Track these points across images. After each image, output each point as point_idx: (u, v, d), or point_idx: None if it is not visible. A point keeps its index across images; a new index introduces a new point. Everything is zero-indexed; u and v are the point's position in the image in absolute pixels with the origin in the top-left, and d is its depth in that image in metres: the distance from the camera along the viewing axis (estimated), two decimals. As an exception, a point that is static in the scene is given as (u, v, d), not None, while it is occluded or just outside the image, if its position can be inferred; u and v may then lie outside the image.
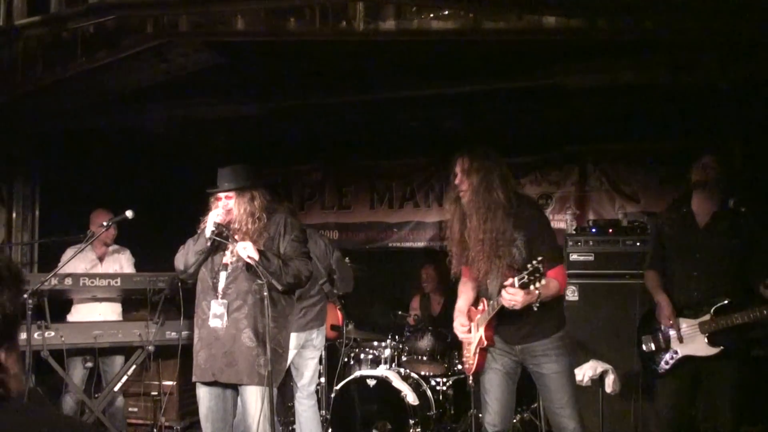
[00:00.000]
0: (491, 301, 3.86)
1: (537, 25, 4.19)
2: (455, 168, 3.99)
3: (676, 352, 4.38)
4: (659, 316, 4.45)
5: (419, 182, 8.28)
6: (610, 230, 6.19)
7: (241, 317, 4.15)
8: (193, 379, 4.29)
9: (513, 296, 3.60)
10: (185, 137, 7.74)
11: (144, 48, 4.94)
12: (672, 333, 4.39)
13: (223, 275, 4.23)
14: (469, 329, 4.05)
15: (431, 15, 4.41)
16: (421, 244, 8.27)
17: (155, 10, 4.46)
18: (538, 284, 3.53)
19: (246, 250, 4.01)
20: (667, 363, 4.40)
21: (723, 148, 6.54)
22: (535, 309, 3.67)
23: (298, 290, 4.63)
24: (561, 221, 7.50)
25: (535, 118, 7.09)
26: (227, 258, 4.25)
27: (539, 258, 3.55)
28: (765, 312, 4.09)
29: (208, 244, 4.20)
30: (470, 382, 6.13)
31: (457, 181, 3.98)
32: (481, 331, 3.93)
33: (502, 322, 3.90)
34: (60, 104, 6.04)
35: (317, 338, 5.57)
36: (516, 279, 3.60)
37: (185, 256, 4.32)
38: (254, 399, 4.11)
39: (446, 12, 4.37)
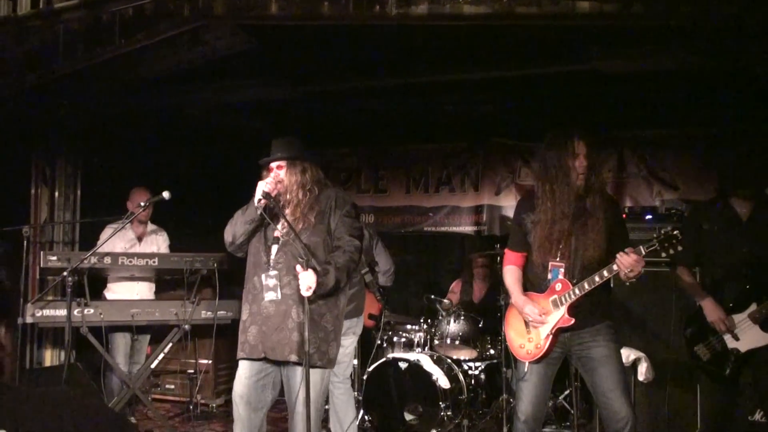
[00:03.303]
0: (588, 278, 3.77)
1: (570, 10, 4.14)
2: (576, 149, 3.91)
3: (736, 351, 4.29)
4: (710, 319, 4.34)
5: (455, 167, 8.25)
6: (647, 217, 6.13)
7: (290, 293, 4.07)
8: (240, 355, 4.17)
9: (639, 263, 3.61)
10: (221, 120, 7.82)
11: (180, 31, 5.00)
12: (726, 334, 4.32)
13: (274, 248, 4.13)
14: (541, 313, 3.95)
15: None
16: (456, 229, 8.26)
17: (191, -7, 4.51)
18: (672, 251, 3.59)
19: (305, 280, 3.85)
20: (731, 364, 4.29)
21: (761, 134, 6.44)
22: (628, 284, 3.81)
23: None
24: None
25: (571, 103, 7.01)
26: (278, 231, 4.14)
27: (670, 227, 3.62)
28: None
29: (258, 212, 4.10)
30: (504, 369, 6.18)
31: (583, 164, 3.90)
32: (563, 311, 3.84)
33: None
34: (100, 86, 6.14)
35: (357, 326, 5.54)
36: (643, 247, 3.63)
37: (233, 227, 4.23)
38: (300, 378, 3.98)
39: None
